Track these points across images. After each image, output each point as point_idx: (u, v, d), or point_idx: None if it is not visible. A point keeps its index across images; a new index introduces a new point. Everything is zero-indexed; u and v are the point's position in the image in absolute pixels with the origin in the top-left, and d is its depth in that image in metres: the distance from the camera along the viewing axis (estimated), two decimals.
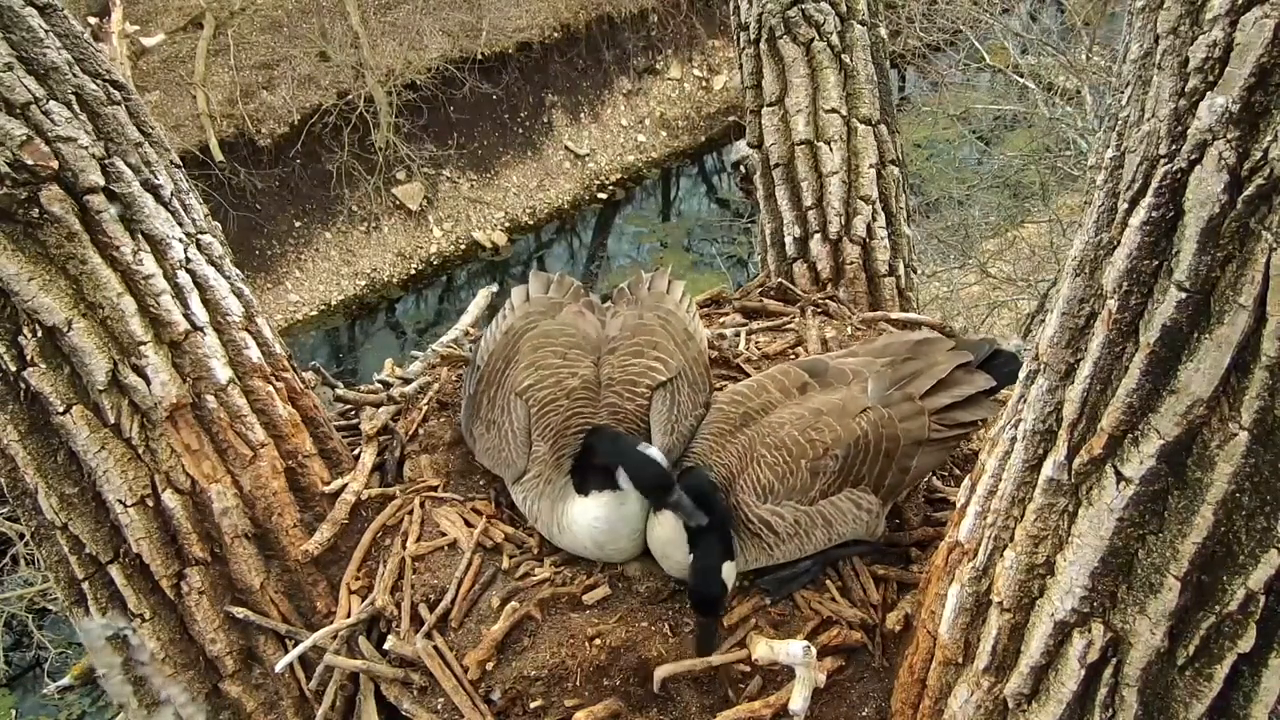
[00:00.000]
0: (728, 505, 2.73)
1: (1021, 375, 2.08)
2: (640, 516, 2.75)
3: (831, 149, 4.32)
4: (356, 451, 3.27)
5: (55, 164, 2.41)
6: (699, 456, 2.88)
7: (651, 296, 3.39)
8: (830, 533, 2.77)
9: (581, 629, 2.65)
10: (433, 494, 3.14)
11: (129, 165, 2.59)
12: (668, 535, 2.69)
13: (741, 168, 4.76)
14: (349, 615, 2.84)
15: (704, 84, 23.50)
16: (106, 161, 2.54)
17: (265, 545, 2.91)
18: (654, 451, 2.68)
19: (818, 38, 4.25)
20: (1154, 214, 1.61)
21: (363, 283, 19.31)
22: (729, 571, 2.61)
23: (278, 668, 2.79)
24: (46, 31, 2.45)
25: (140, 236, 2.60)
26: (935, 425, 2.90)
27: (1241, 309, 1.52)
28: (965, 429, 2.99)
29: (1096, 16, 15.24)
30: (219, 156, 17.82)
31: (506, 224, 20.76)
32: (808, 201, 4.36)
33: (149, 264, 2.60)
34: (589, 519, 2.75)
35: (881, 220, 4.42)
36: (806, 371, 3.02)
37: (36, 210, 2.41)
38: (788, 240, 4.46)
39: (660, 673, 2.53)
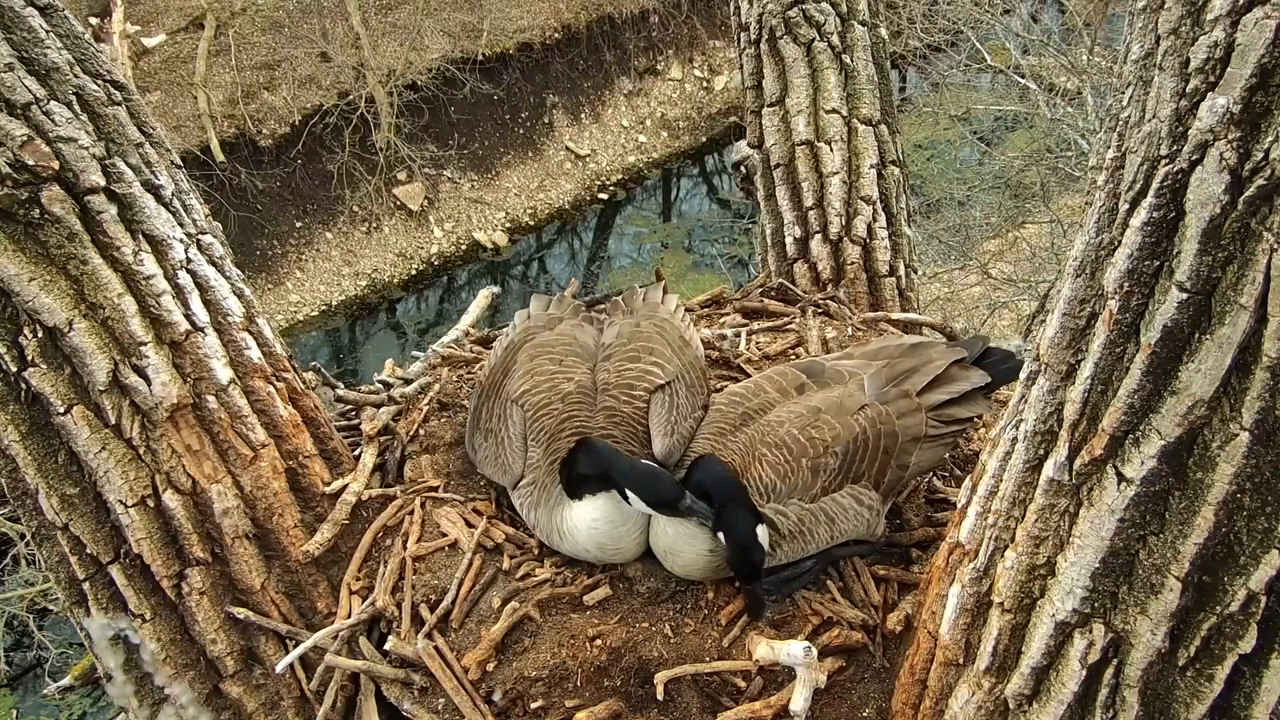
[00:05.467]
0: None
1: (1022, 376, 2.08)
2: (641, 513, 2.75)
3: (832, 149, 4.32)
4: (357, 452, 3.27)
5: (56, 164, 2.41)
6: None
7: (646, 306, 3.46)
8: (833, 530, 2.77)
9: (582, 629, 2.65)
10: (433, 494, 3.14)
11: (130, 166, 2.59)
12: (682, 530, 2.68)
13: (742, 168, 4.75)
14: (349, 616, 2.84)
15: (705, 84, 23.49)
16: (107, 162, 2.53)
17: (266, 545, 2.91)
18: (648, 463, 2.67)
19: (818, 38, 4.26)
20: (1155, 214, 1.61)
21: (364, 283, 19.30)
22: (763, 535, 2.60)
23: (278, 668, 2.79)
24: (47, 32, 2.45)
25: (141, 237, 2.60)
26: (932, 421, 2.91)
27: (1242, 310, 1.52)
28: (962, 425, 2.99)
29: (1097, 17, 15.24)
30: (220, 157, 17.82)
31: (507, 224, 20.75)
32: (808, 202, 4.36)
33: (150, 264, 2.60)
34: (588, 522, 2.74)
35: (882, 221, 4.42)
36: (803, 372, 3.02)
37: (37, 210, 2.41)
38: (788, 240, 4.46)
39: (661, 677, 2.53)
